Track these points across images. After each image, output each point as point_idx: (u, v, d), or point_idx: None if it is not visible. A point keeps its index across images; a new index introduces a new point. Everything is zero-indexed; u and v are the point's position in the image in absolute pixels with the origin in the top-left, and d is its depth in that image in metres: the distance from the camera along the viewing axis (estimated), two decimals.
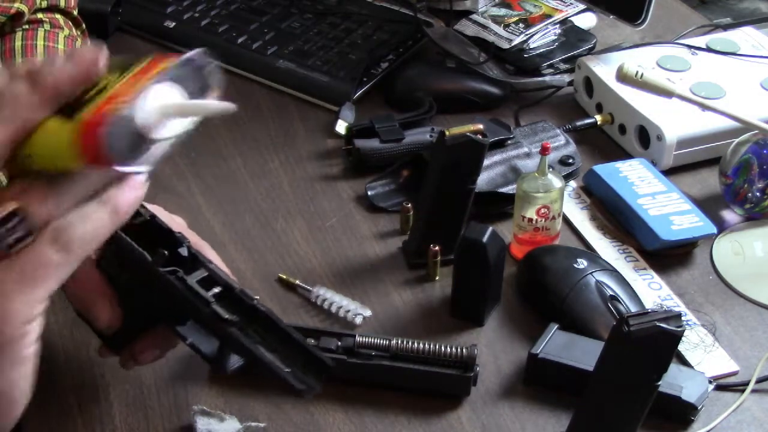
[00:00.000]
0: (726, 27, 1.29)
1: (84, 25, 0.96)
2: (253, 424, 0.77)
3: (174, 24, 1.26)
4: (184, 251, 0.67)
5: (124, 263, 0.68)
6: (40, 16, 0.91)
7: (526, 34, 1.17)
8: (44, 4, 0.92)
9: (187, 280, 0.65)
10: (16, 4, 0.89)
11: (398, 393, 0.80)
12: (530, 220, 0.92)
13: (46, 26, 0.91)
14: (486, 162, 0.94)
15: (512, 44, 1.16)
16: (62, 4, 0.93)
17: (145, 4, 1.29)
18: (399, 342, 0.80)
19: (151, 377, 0.81)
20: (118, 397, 0.80)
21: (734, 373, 0.83)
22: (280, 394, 0.80)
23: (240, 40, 1.23)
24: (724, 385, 0.82)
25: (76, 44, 0.92)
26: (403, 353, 0.79)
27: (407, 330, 0.87)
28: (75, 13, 0.95)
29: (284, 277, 0.91)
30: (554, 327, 0.82)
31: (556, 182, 0.92)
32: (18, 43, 0.88)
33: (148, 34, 1.25)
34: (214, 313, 0.64)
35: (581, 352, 0.79)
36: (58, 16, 0.92)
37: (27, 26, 0.90)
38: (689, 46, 1.18)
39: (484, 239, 0.84)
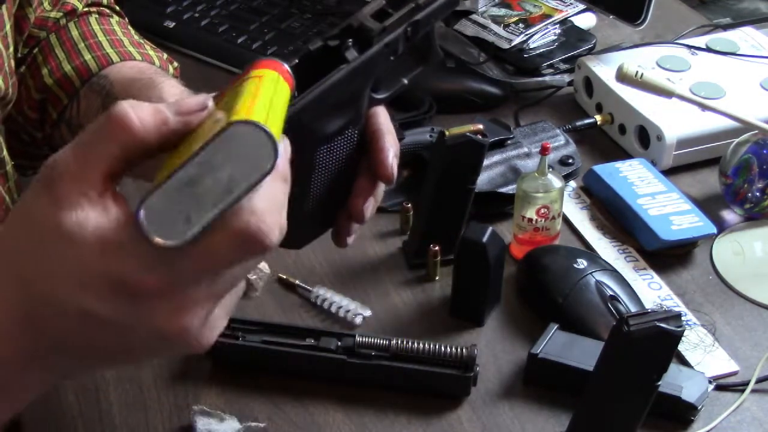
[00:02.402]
0: (726, 27, 1.29)
1: (126, 18, 0.98)
2: (253, 424, 0.77)
3: (174, 24, 1.26)
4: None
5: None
6: (86, 9, 0.93)
7: (526, 34, 1.17)
8: (89, 0, 0.94)
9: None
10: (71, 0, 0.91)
11: (398, 393, 0.80)
12: (530, 220, 0.92)
13: (95, 15, 0.93)
14: (486, 162, 0.94)
15: (512, 44, 1.16)
16: (105, 0, 0.96)
17: (145, 4, 1.29)
18: (399, 342, 0.80)
19: (151, 377, 0.81)
20: (118, 397, 0.80)
21: (734, 373, 0.83)
22: (280, 394, 0.80)
23: (240, 40, 1.23)
24: (724, 385, 0.81)
25: (129, 29, 0.94)
26: (403, 353, 0.79)
27: (407, 330, 0.87)
28: (117, 8, 0.98)
29: (284, 277, 0.91)
30: (554, 327, 0.82)
31: (556, 182, 0.92)
32: (75, 33, 0.89)
33: (148, 34, 1.24)
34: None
35: (581, 352, 0.79)
36: (102, 8, 0.95)
37: (77, 19, 0.92)
38: (689, 46, 1.18)
39: (484, 239, 0.84)
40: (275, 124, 0.50)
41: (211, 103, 0.51)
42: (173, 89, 0.77)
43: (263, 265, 0.62)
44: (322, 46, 0.62)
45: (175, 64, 0.92)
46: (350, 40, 0.62)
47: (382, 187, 0.68)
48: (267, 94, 0.52)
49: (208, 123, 0.51)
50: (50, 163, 0.50)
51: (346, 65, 0.61)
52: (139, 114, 0.49)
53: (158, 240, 0.47)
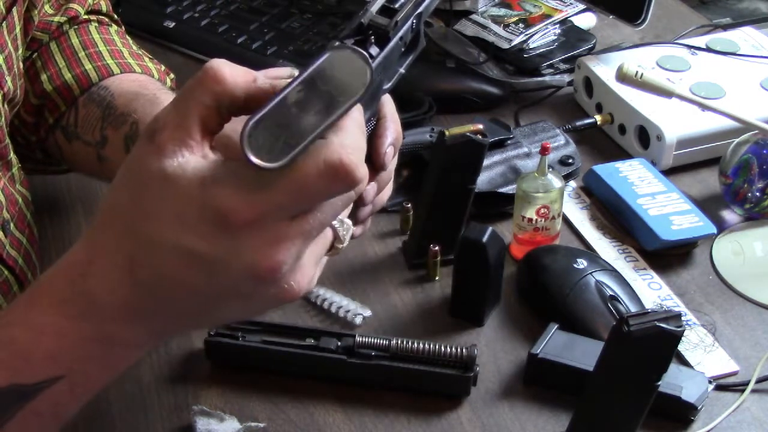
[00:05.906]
0: (726, 27, 1.29)
1: (123, 27, 0.99)
2: (253, 424, 0.77)
3: (174, 24, 1.26)
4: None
5: None
6: (85, 17, 0.94)
7: (526, 34, 1.17)
8: (89, 8, 0.96)
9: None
10: (73, 5, 0.92)
11: (398, 393, 0.80)
12: (530, 220, 0.92)
13: (95, 23, 0.94)
14: (486, 162, 0.94)
15: (512, 44, 1.16)
16: (104, 8, 0.97)
17: (145, 4, 1.30)
18: (399, 342, 0.80)
19: (151, 377, 0.81)
20: (118, 397, 0.80)
21: (734, 373, 0.83)
22: (280, 394, 0.80)
23: (240, 40, 1.23)
24: (724, 385, 0.81)
25: (128, 39, 0.96)
26: (403, 353, 0.79)
27: (407, 330, 0.87)
28: (115, 16, 0.99)
29: None
30: (554, 327, 0.82)
31: (556, 182, 0.92)
32: (75, 41, 0.90)
33: (148, 34, 1.25)
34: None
35: (581, 352, 0.79)
36: (101, 17, 0.97)
37: (77, 26, 0.93)
38: (689, 46, 1.18)
39: (484, 239, 0.84)
40: None
41: (296, 72, 0.54)
42: None
43: (347, 219, 0.65)
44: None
45: (172, 75, 0.94)
46: (372, 37, 0.64)
47: (384, 179, 0.69)
48: None
49: None
50: (152, 117, 0.54)
51: (372, 61, 0.64)
52: (231, 69, 0.53)
53: (257, 161, 0.49)
